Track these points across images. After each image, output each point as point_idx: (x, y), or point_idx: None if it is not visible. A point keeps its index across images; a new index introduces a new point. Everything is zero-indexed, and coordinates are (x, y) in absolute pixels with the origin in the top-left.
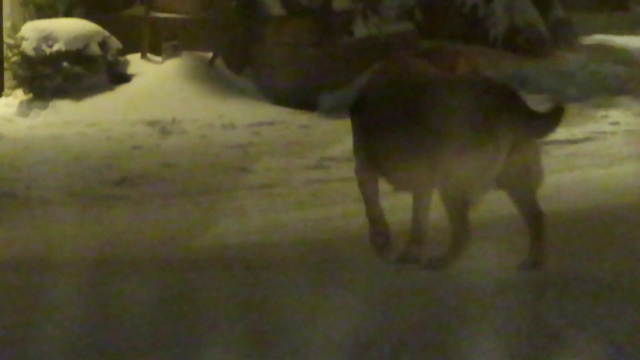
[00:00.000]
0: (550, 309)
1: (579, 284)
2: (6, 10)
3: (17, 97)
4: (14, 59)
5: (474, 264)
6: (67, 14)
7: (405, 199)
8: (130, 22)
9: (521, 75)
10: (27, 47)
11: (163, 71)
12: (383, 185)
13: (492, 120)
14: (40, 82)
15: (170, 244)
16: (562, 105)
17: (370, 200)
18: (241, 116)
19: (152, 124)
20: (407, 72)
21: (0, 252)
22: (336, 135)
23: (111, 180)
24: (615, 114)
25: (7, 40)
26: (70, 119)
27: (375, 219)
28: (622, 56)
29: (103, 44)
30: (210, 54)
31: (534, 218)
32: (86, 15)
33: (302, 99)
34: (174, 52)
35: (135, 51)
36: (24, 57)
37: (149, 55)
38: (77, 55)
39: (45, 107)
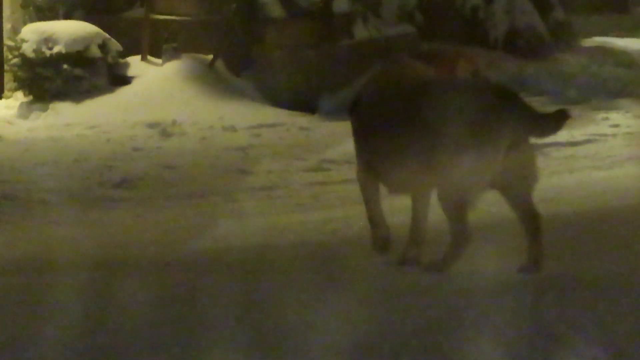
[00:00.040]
0: (551, 311)
1: (579, 286)
2: (6, 12)
3: (17, 99)
4: (14, 61)
5: (473, 266)
6: (67, 16)
7: (405, 201)
8: (131, 24)
9: (521, 77)
10: (27, 49)
11: (163, 73)
12: (383, 187)
13: (489, 121)
14: (40, 84)
15: (170, 245)
16: (567, 110)
17: (371, 203)
18: (241, 118)
19: (152, 126)
20: (405, 74)
21: (0, 254)
22: (336, 138)
23: (111, 182)
24: (615, 117)
25: (7, 42)
26: (71, 121)
27: (376, 222)
28: (622, 58)
29: (103, 46)
30: (210, 56)
31: (530, 219)
32: (86, 18)
33: (302, 101)
34: (174, 54)
35: (136, 53)
36: (24, 59)
37: (149, 57)
38: (77, 58)
39: (45, 109)
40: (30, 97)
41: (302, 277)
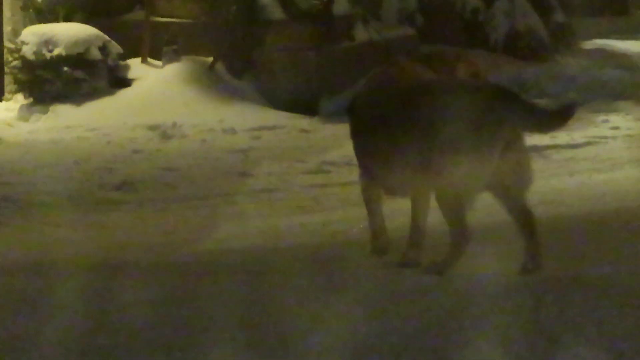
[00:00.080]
0: (550, 313)
1: (579, 288)
2: (6, 14)
3: (17, 101)
4: (15, 63)
5: (473, 267)
6: (68, 18)
7: (405, 203)
8: (131, 26)
9: (522, 79)
10: (28, 51)
11: (163, 75)
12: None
13: (485, 121)
14: (40, 87)
15: (170, 248)
16: (574, 104)
17: (372, 211)
18: (242, 120)
19: (152, 128)
20: (402, 76)
21: (0, 256)
22: (337, 140)
23: (111, 184)
24: (615, 119)
25: (7, 44)
26: (71, 123)
27: (376, 231)
28: (622, 61)
29: (103, 49)
30: (210, 59)
31: (525, 220)
32: (86, 20)
33: (302, 104)
34: (175, 57)
35: (136, 55)
36: (25, 61)
37: (149, 59)
38: (78, 60)
39: (45, 112)
40: (31, 100)
41: (302, 279)
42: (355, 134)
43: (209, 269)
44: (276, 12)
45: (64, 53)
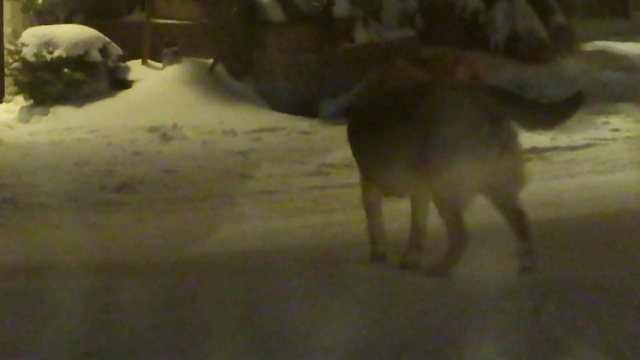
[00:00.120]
0: (551, 316)
1: (580, 290)
2: (7, 16)
3: (17, 103)
4: (15, 65)
5: (474, 269)
6: (68, 20)
7: (406, 205)
8: (131, 28)
9: (522, 81)
10: (28, 53)
11: (164, 77)
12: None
13: (482, 121)
14: (40, 88)
15: (170, 249)
16: (581, 93)
17: (372, 218)
18: (242, 122)
19: (152, 130)
20: (399, 78)
21: (0, 258)
22: (337, 142)
23: (112, 186)
24: (616, 121)
25: (7, 46)
26: (71, 125)
27: (375, 238)
28: (623, 62)
29: (104, 50)
30: (211, 60)
31: (519, 220)
32: (87, 22)
33: (302, 105)
34: (175, 58)
35: (136, 57)
36: (25, 63)
37: (149, 61)
38: (78, 62)
39: (46, 113)
40: (31, 101)
41: (302, 281)
42: (352, 136)
43: (209, 271)
44: (276, 14)
45: (64, 55)
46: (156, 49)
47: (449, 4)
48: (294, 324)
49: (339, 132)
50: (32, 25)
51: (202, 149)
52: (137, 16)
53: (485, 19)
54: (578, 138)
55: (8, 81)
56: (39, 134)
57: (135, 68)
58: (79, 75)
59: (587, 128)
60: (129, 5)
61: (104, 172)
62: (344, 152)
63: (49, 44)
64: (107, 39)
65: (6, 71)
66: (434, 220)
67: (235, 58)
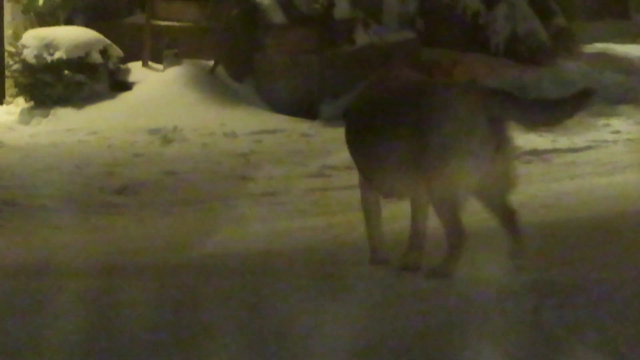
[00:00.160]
0: (551, 317)
1: (580, 292)
2: (7, 18)
3: (18, 105)
4: (15, 66)
5: (474, 271)
6: (68, 22)
7: (406, 207)
8: (132, 30)
9: (522, 83)
10: (29, 55)
11: (164, 79)
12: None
13: (478, 121)
14: (41, 90)
15: (171, 251)
16: (591, 88)
17: (371, 222)
18: (242, 124)
19: (153, 132)
20: (395, 81)
21: (1, 259)
22: (337, 144)
23: (112, 188)
24: (616, 123)
25: (8, 48)
26: (72, 126)
27: (375, 244)
28: (623, 65)
29: (104, 52)
30: (211, 62)
31: (511, 219)
32: (87, 23)
33: (303, 107)
34: (175, 60)
35: (137, 59)
36: (25, 65)
37: (150, 63)
38: (79, 63)
39: (46, 115)
40: (32, 103)
41: (303, 283)
42: (350, 137)
43: (209, 272)
44: (277, 16)
45: (64, 57)
46: (157, 50)
47: (450, 5)
48: (295, 326)
49: (340, 134)
50: (32, 27)
51: (203, 150)
52: (137, 18)
53: (485, 21)
54: (578, 140)
55: (9, 83)
56: (39, 135)
57: (136, 70)
58: (79, 77)
59: (587, 130)
60: (129, 7)
61: (104, 173)
62: (345, 154)
63: (49, 46)
64: (107, 40)
65: (7, 73)
66: (434, 221)
67: (236, 60)
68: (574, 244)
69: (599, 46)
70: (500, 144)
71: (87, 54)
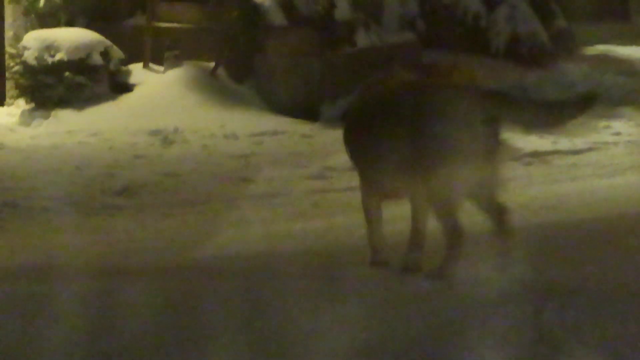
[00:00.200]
0: (552, 319)
1: (581, 294)
2: (8, 19)
3: (19, 106)
4: (16, 68)
5: (474, 273)
6: (69, 23)
7: (406, 209)
8: (133, 31)
9: (523, 85)
10: (29, 56)
11: (165, 81)
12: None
13: (474, 121)
14: (42, 92)
15: (171, 253)
16: (595, 94)
17: (372, 224)
18: (243, 126)
19: (154, 133)
20: (392, 82)
21: (1, 261)
22: (338, 145)
23: (113, 189)
24: (617, 125)
25: (9, 49)
26: (73, 128)
27: (376, 247)
28: (624, 66)
29: (105, 54)
30: (212, 64)
31: (499, 216)
32: (88, 25)
33: (304, 109)
34: (176, 62)
35: (138, 61)
36: (26, 66)
37: (151, 64)
38: (79, 65)
39: (47, 117)
40: (32, 105)
41: (303, 285)
42: (348, 139)
43: (210, 274)
44: (278, 18)
45: (65, 58)
46: (157, 52)
47: (450, 7)
48: (295, 328)
49: (340, 136)
50: (33, 28)
51: (203, 152)
52: (138, 20)
53: (486, 23)
54: (579, 142)
55: (9, 85)
56: (40, 137)
57: (137, 71)
58: (80, 79)
59: (588, 132)
60: (130, 9)
61: (105, 175)
62: (345, 155)
63: (50, 48)
64: (108, 42)
65: (7, 75)
66: (434, 223)
67: (237, 62)
68: (575, 245)
69: (599, 48)
70: (494, 145)
71: (88, 56)
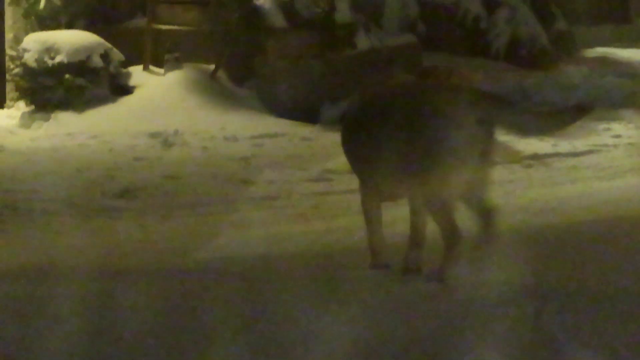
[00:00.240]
0: (552, 321)
1: (581, 296)
2: (8, 21)
3: (19, 108)
4: (16, 70)
5: (474, 274)
6: (70, 25)
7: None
8: (133, 34)
9: (523, 87)
10: (29, 58)
11: (165, 83)
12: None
13: (468, 122)
14: (42, 94)
15: (172, 255)
16: (588, 105)
17: (372, 227)
18: (243, 128)
19: (154, 135)
20: (389, 84)
21: (1, 263)
22: (338, 148)
23: (113, 191)
24: (617, 127)
25: (9, 51)
26: (73, 130)
27: (376, 249)
28: (624, 69)
29: (105, 56)
30: (212, 66)
31: (485, 216)
32: (88, 27)
33: (304, 111)
34: (176, 64)
35: (138, 63)
36: (26, 68)
37: (151, 67)
38: (80, 67)
39: (47, 119)
40: (32, 107)
41: (304, 287)
42: (346, 140)
43: (210, 276)
44: (278, 20)
45: (65, 60)
46: (158, 54)
47: (451, 10)
48: (295, 329)
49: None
50: (33, 30)
51: (203, 154)
52: (138, 22)
53: (486, 25)
54: (579, 144)
55: (9, 87)
56: (40, 139)
57: (137, 74)
58: (80, 81)
59: (588, 134)
60: (130, 11)
61: (105, 177)
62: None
63: (50, 50)
64: (108, 44)
65: (7, 77)
66: (433, 224)
67: (237, 64)
68: (575, 247)
69: (600, 50)
70: (489, 147)
71: (88, 58)
